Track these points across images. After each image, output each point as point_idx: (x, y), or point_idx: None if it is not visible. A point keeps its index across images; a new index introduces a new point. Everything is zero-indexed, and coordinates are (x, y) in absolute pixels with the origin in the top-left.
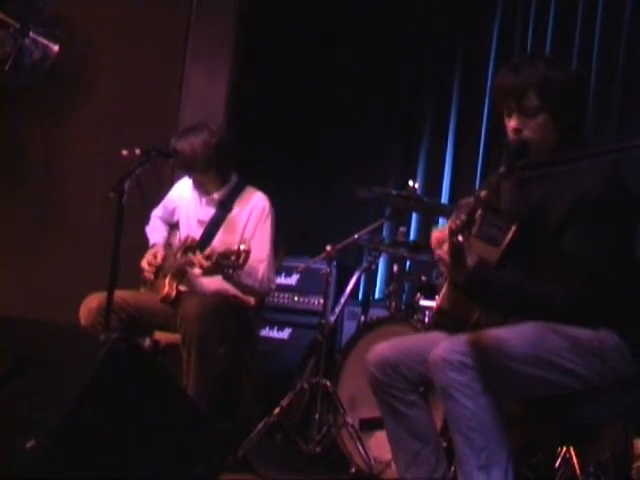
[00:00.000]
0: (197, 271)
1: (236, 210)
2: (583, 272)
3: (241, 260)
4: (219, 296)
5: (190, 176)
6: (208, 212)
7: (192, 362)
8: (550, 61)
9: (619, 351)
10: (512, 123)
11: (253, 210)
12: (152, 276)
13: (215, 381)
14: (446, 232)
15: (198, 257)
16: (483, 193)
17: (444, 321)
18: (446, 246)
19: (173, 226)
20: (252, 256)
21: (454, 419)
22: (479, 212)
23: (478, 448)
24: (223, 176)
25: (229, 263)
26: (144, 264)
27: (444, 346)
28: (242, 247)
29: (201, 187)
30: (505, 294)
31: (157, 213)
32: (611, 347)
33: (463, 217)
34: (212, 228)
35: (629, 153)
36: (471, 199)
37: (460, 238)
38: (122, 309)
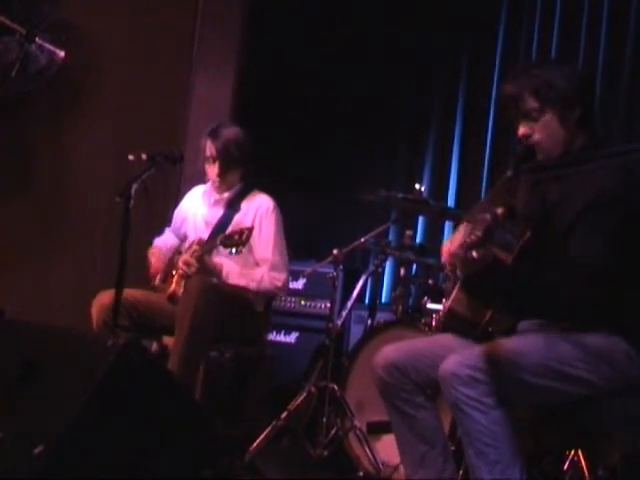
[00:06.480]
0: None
1: (243, 211)
2: (592, 272)
3: (244, 237)
4: (223, 284)
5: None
6: (216, 213)
7: (180, 340)
8: (545, 64)
9: (628, 357)
10: (520, 131)
11: (258, 211)
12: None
13: (221, 381)
14: (456, 244)
15: (184, 256)
16: (500, 211)
17: (454, 323)
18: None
19: (183, 239)
20: (256, 255)
21: (467, 434)
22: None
23: (492, 462)
24: (241, 176)
25: (233, 242)
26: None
27: (453, 361)
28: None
29: (218, 180)
30: (515, 287)
31: (169, 228)
32: (620, 353)
33: (479, 234)
34: (219, 228)
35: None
36: (487, 215)
37: (475, 254)
38: (133, 307)
